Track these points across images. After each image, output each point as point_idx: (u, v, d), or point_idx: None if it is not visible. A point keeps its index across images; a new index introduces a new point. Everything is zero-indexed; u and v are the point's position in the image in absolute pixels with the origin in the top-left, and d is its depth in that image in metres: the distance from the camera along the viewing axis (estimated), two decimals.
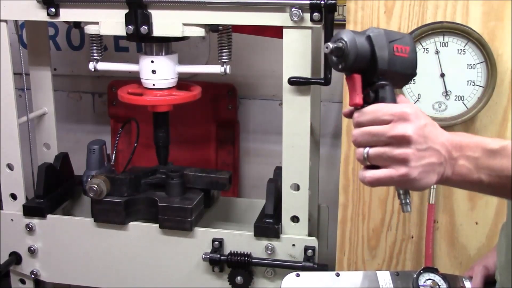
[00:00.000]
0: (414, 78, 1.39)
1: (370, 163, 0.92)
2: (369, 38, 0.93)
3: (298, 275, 1.19)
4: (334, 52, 0.93)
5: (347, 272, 1.24)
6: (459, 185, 0.94)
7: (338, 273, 1.18)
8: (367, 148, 0.91)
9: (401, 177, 0.89)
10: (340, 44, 0.93)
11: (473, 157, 0.90)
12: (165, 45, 1.63)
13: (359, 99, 0.96)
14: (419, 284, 1.13)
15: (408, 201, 0.97)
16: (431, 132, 0.90)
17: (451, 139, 0.92)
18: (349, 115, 0.99)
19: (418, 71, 1.38)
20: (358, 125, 0.94)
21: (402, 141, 0.88)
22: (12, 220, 1.75)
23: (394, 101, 0.95)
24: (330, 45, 0.93)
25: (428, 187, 0.93)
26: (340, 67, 0.95)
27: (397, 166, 0.89)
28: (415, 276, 1.14)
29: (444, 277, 1.14)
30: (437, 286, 1.13)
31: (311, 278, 1.19)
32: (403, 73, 0.97)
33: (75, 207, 1.93)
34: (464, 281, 1.17)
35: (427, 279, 1.14)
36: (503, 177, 0.90)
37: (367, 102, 0.95)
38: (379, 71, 0.94)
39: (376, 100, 0.95)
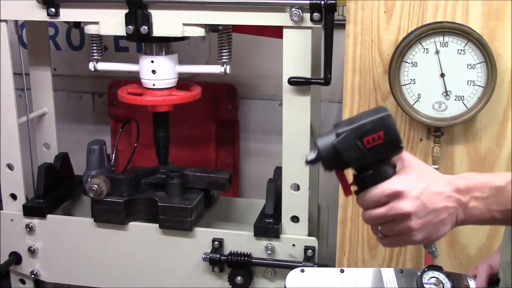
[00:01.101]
0: (414, 79, 1.41)
1: (385, 236, 1.00)
2: (334, 146, 0.96)
3: (302, 271, 1.19)
4: (310, 163, 0.98)
5: (352, 268, 1.24)
6: (475, 224, 0.98)
7: (342, 269, 1.18)
8: (379, 226, 0.99)
9: (411, 243, 0.98)
10: (313, 156, 0.97)
11: (482, 197, 0.95)
12: (165, 45, 1.63)
13: (348, 192, 1.01)
14: (423, 282, 1.13)
15: (433, 249, 1.03)
16: (430, 195, 0.94)
17: (457, 185, 0.95)
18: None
19: (418, 71, 1.40)
20: (363, 208, 1.00)
21: (403, 217, 0.95)
22: (12, 220, 1.75)
23: (386, 178, 0.97)
24: (308, 157, 0.98)
25: (444, 236, 0.98)
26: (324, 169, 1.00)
27: (404, 235, 0.97)
28: (419, 273, 1.14)
29: (448, 275, 1.14)
30: (441, 284, 1.13)
31: (316, 274, 1.19)
32: (383, 157, 0.98)
33: (75, 207, 1.93)
34: (469, 280, 1.17)
35: (431, 277, 1.14)
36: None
37: (362, 187, 0.99)
38: (355, 165, 0.98)
39: (366, 187, 0.98)
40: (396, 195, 0.94)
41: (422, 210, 0.94)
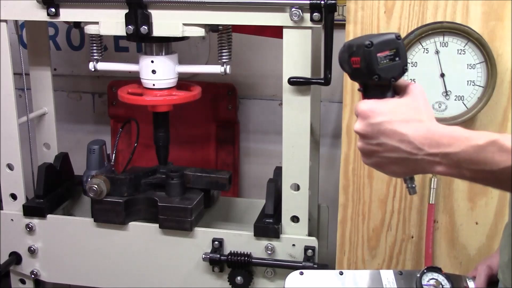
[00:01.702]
0: (414, 79, 1.41)
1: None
2: (339, 54, 1.04)
3: (301, 273, 1.19)
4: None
5: (351, 270, 1.24)
6: (447, 175, 0.97)
7: (341, 272, 1.18)
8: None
9: (364, 162, 1.02)
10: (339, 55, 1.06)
11: (453, 152, 0.92)
12: (165, 45, 1.63)
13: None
14: (423, 283, 1.13)
15: (411, 185, 1.05)
16: (387, 129, 0.96)
17: (427, 135, 0.94)
18: None
19: (418, 71, 1.40)
20: None
21: (359, 135, 1.01)
22: (12, 220, 1.75)
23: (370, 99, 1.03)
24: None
25: (398, 176, 1.03)
26: None
27: (361, 153, 1.03)
28: (418, 275, 1.14)
29: (448, 276, 1.14)
30: (441, 286, 1.13)
31: (315, 277, 1.19)
32: (365, 81, 1.03)
33: (75, 207, 1.93)
34: (468, 281, 1.17)
35: (431, 279, 1.14)
36: (486, 171, 0.90)
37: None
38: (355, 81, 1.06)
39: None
40: (358, 114, 1.00)
41: (371, 138, 0.98)
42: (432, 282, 1.13)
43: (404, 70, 1.01)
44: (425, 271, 1.15)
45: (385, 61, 0.98)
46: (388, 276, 1.17)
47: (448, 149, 0.92)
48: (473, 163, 0.90)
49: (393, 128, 0.96)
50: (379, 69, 0.98)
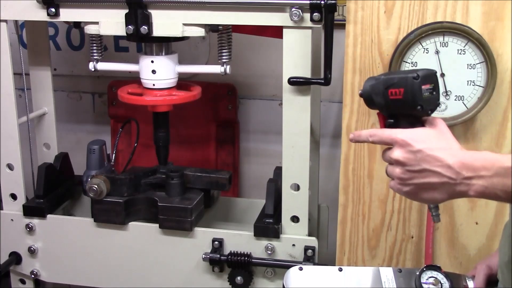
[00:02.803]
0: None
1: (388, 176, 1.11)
2: (371, 87, 1.11)
3: (301, 269, 1.20)
4: (360, 96, 1.14)
5: (350, 267, 1.25)
6: (479, 198, 1.02)
7: (341, 268, 1.19)
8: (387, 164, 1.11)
9: (398, 191, 1.08)
10: (360, 92, 1.14)
11: (487, 176, 0.98)
12: (165, 45, 1.63)
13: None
14: (422, 281, 1.14)
15: (436, 213, 1.12)
16: (427, 156, 1.02)
17: (463, 160, 1.00)
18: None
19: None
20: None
21: (396, 163, 1.06)
22: (12, 220, 1.75)
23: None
24: (360, 91, 1.14)
25: (436, 202, 1.08)
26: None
27: (396, 182, 1.07)
28: (417, 273, 1.15)
29: (447, 275, 1.14)
30: (440, 284, 1.13)
31: (314, 272, 1.19)
32: (402, 112, 1.09)
33: (75, 207, 1.93)
34: (467, 280, 1.17)
35: (430, 277, 1.14)
36: None
37: None
38: (383, 112, 1.12)
39: None
40: (396, 142, 1.05)
41: (413, 164, 1.03)
42: (431, 280, 1.14)
43: (438, 104, 1.10)
44: (424, 269, 1.15)
45: (427, 94, 1.06)
46: (387, 274, 1.17)
47: (483, 172, 0.98)
48: (505, 184, 0.96)
49: (434, 154, 1.02)
50: (423, 100, 1.06)
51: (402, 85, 1.06)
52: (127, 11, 1.51)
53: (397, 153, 1.04)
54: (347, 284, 1.17)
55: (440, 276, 1.14)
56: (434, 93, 1.07)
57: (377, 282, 1.16)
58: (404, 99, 1.06)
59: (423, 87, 1.05)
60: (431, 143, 1.03)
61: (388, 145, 1.08)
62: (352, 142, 1.18)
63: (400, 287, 1.15)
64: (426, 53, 1.40)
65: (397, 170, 1.05)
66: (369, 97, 1.11)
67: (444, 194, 1.03)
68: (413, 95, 1.05)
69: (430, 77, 1.07)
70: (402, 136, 1.04)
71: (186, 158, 2.07)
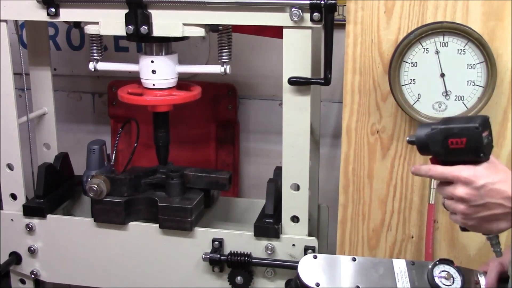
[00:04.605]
0: (414, 79, 1.41)
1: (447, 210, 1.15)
2: (427, 136, 1.12)
3: (315, 257, 1.20)
4: (409, 143, 1.16)
5: (364, 257, 1.26)
6: None
7: (354, 258, 1.20)
8: (444, 199, 1.15)
9: (465, 226, 1.12)
10: (411, 139, 1.15)
11: None
12: (165, 45, 1.63)
13: None
14: (434, 275, 1.15)
15: (498, 249, 1.14)
16: (490, 191, 1.07)
17: None
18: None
19: (418, 71, 1.40)
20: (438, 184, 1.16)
21: (458, 200, 1.09)
22: (12, 220, 1.75)
23: None
24: (409, 138, 1.16)
25: (501, 231, 1.11)
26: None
27: (458, 216, 1.11)
28: (430, 267, 1.16)
29: (459, 269, 1.16)
30: (452, 278, 1.14)
31: (328, 261, 1.20)
32: (464, 160, 1.10)
33: (75, 207, 1.93)
34: (479, 276, 1.18)
35: (442, 271, 1.16)
36: None
37: None
38: (440, 158, 1.12)
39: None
40: (459, 180, 1.08)
41: (477, 200, 1.07)
42: (443, 274, 1.15)
43: (492, 146, 1.11)
44: (437, 263, 1.16)
45: (486, 140, 1.09)
46: (400, 266, 1.19)
47: None
48: None
49: (496, 187, 1.07)
50: (484, 147, 1.08)
51: (464, 135, 1.08)
52: (127, 11, 1.51)
53: (460, 191, 1.08)
54: (360, 274, 1.18)
55: (452, 271, 1.16)
56: (490, 137, 1.10)
57: (390, 273, 1.17)
58: (466, 149, 1.08)
59: (483, 135, 1.08)
60: (490, 177, 1.07)
61: (449, 181, 1.11)
62: (411, 173, 1.21)
63: (413, 279, 1.16)
64: (426, 53, 1.40)
65: (461, 207, 1.09)
66: (425, 146, 1.12)
67: (509, 222, 1.08)
68: (476, 144, 1.08)
69: (487, 123, 1.10)
70: (465, 174, 1.08)
71: (186, 158, 2.07)
